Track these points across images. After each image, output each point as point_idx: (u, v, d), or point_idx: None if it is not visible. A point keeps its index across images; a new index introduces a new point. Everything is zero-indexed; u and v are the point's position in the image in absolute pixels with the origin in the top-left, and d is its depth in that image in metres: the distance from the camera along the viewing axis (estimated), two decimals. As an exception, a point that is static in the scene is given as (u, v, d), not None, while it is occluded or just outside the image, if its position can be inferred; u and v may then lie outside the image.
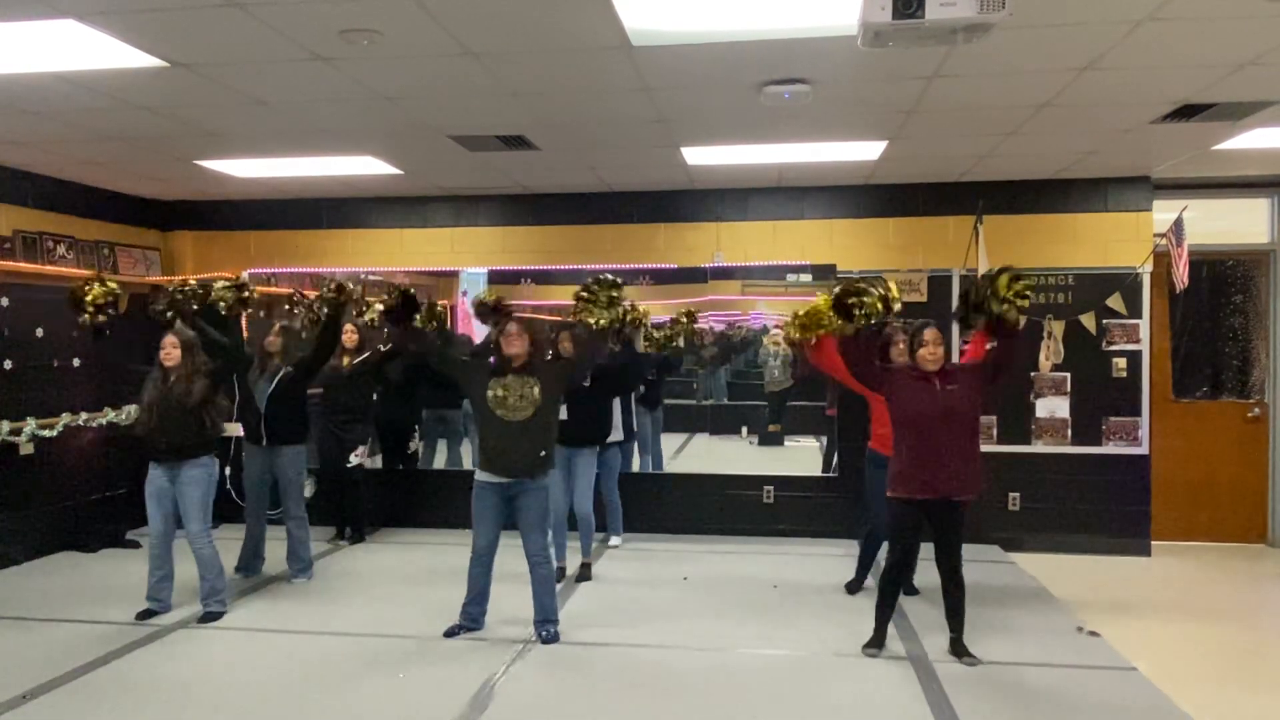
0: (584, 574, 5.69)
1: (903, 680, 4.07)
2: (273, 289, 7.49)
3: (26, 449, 5.95)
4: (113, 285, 5.26)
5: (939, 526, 4.30)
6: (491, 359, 4.60)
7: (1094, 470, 6.50)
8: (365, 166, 6.04)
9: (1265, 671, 4.36)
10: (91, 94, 4.41)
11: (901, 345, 4.70)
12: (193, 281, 5.62)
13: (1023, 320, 4.25)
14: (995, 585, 5.54)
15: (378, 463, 7.19)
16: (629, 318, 5.37)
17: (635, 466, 7.22)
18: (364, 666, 4.24)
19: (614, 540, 6.50)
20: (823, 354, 4.70)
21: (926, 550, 4.46)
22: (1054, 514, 6.54)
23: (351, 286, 5.34)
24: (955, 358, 6.27)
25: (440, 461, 7.60)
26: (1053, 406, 6.54)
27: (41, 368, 6.18)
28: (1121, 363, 6.46)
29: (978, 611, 4.76)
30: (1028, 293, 4.16)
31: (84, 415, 6.30)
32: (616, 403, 5.95)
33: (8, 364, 5.91)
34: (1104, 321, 6.46)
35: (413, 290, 4.77)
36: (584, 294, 4.63)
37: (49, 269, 6.24)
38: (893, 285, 4.34)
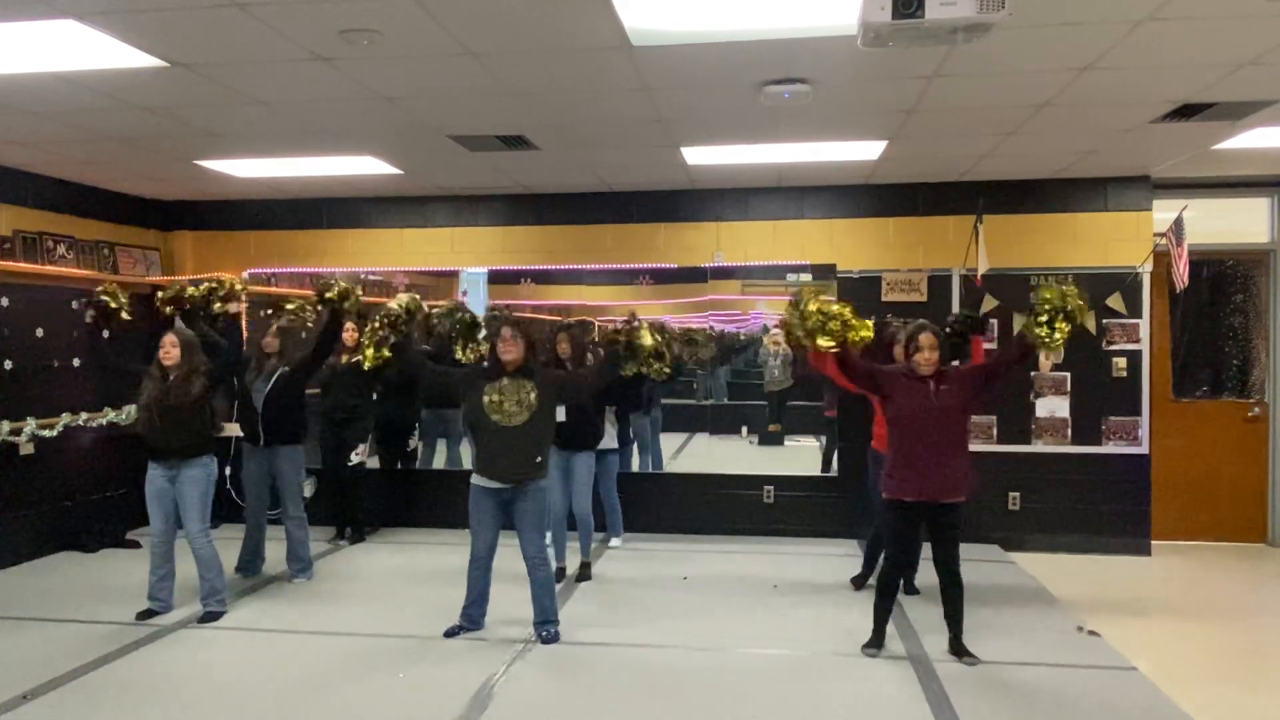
0: (584, 574, 5.69)
1: (903, 680, 4.07)
2: (271, 289, 7.50)
3: (27, 449, 5.96)
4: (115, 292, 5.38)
5: (935, 527, 4.31)
6: (486, 363, 4.60)
7: (1094, 470, 6.50)
8: (365, 166, 6.04)
9: (1265, 671, 4.36)
10: (91, 94, 4.41)
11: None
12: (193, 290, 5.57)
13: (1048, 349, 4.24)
14: (995, 585, 5.54)
15: (376, 462, 7.19)
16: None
17: (635, 466, 7.23)
18: (364, 666, 4.25)
19: (614, 541, 6.50)
20: (824, 360, 4.69)
21: (927, 550, 4.46)
22: (1054, 514, 6.54)
23: (356, 291, 5.21)
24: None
25: (440, 461, 7.60)
26: (1053, 406, 6.54)
27: (41, 368, 6.18)
28: (1121, 362, 6.46)
29: (978, 611, 4.76)
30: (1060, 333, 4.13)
31: (84, 415, 6.30)
32: (609, 411, 5.93)
33: (8, 364, 5.91)
34: (1104, 321, 6.46)
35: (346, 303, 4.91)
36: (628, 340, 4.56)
37: (49, 269, 6.24)
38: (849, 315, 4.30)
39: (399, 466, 7.30)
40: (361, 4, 3.31)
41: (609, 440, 5.90)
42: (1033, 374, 6.51)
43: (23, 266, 6.05)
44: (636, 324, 4.64)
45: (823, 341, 4.14)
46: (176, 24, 3.49)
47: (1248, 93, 4.40)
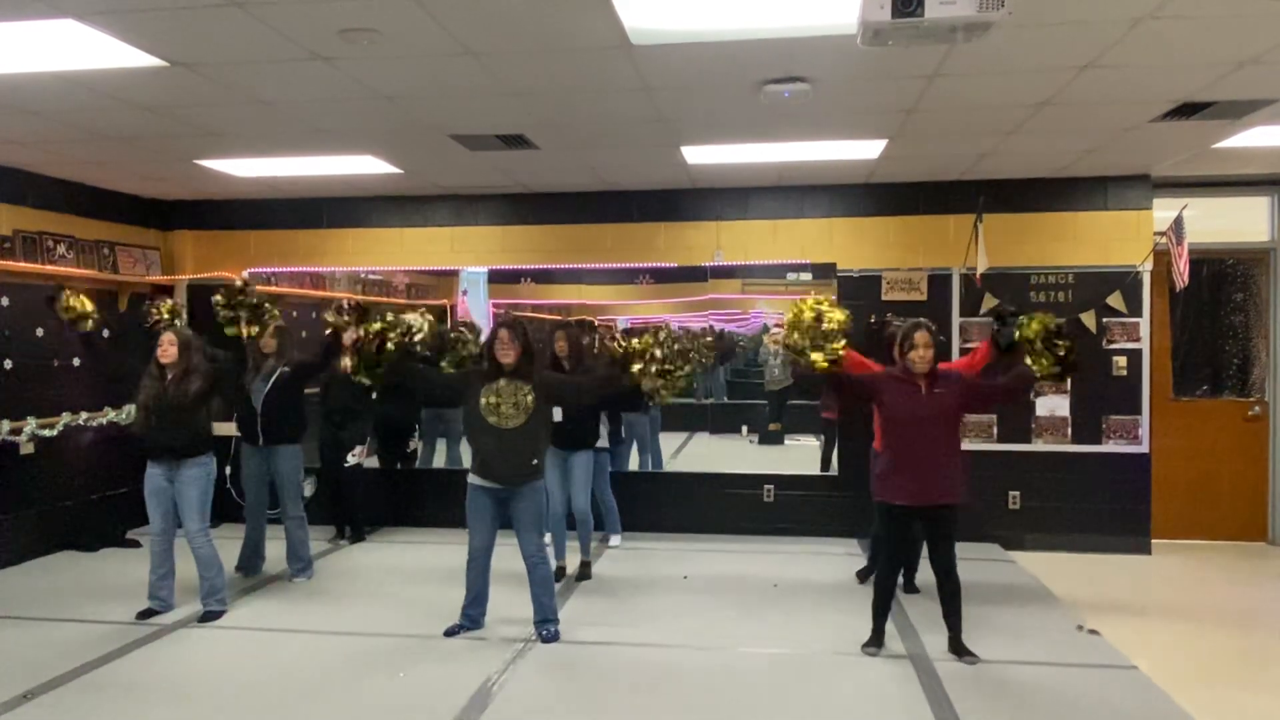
0: (584, 573, 5.69)
1: (903, 679, 4.07)
2: (272, 288, 7.50)
3: (27, 448, 5.96)
4: (82, 302, 5.37)
5: (929, 528, 4.33)
6: (484, 364, 4.59)
7: (1094, 469, 6.50)
8: (365, 166, 6.04)
9: (1266, 670, 4.36)
10: (91, 94, 4.41)
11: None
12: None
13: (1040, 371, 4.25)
14: (995, 584, 5.54)
15: (376, 462, 7.20)
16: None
17: (635, 465, 7.24)
18: (364, 666, 4.25)
19: (613, 540, 6.51)
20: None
21: (927, 548, 4.46)
22: (1054, 512, 6.54)
23: (371, 315, 4.93)
24: (955, 357, 6.29)
25: (440, 461, 7.60)
26: (1053, 405, 6.54)
27: (42, 367, 6.18)
28: (1122, 361, 6.46)
29: (978, 610, 4.76)
30: (1061, 350, 4.14)
31: (84, 415, 6.30)
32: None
33: (8, 363, 5.91)
34: (1104, 320, 6.46)
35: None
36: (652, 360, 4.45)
37: (49, 269, 6.24)
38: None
39: (399, 467, 7.30)
40: (361, 3, 3.31)
41: (600, 439, 5.91)
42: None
43: (23, 266, 6.05)
44: (639, 353, 4.47)
45: (817, 356, 4.16)
46: (176, 23, 3.49)
47: (1248, 91, 4.40)
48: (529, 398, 4.42)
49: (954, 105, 4.62)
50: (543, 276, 7.98)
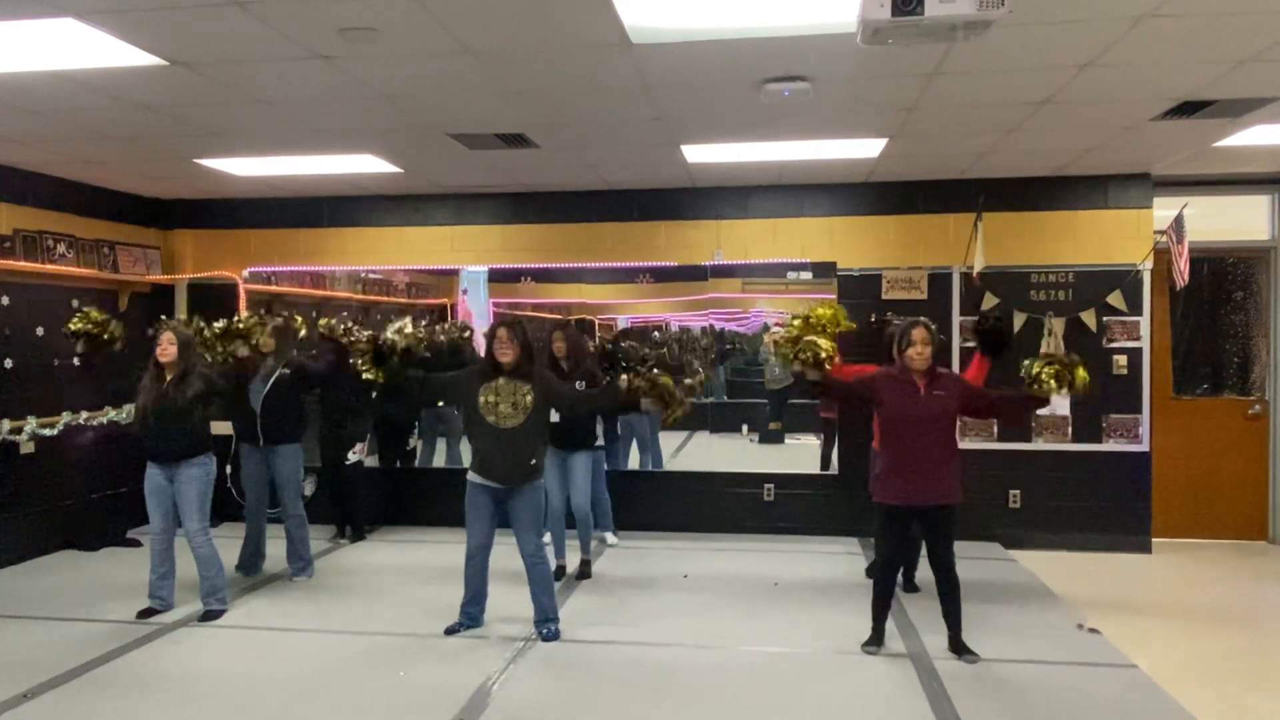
0: (584, 572, 5.69)
1: (903, 678, 4.07)
2: (268, 288, 7.50)
3: (27, 448, 5.96)
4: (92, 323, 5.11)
5: (928, 528, 4.33)
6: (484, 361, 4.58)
7: (1095, 467, 6.49)
8: (365, 165, 6.04)
9: (1266, 669, 4.35)
10: (91, 93, 4.41)
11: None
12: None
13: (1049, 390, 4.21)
14: (995, 583, 5.54)
15: (376, 461, 7.20)
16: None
17: (635, 464, 7.24)
18: (365, 664, 4.25)
19: (610, 538, 6.51)
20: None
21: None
22: (1054, 511, 6.54)
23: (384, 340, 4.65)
24: (955, 356, 6.29)
25: (440, 459, 7.60)
26: (1053, 404, 6.49)
27: (42, 367, 6.18)
28: (1122, 360, 6.46)
29: (978, 609, 4.76)
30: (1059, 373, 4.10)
31: (84, 414, 6.30)
32: None
33: (8, 363, 5.92)
34: (1104, 319, 6.46)
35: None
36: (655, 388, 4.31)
37: (50, 268, 6.24)
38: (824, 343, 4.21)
39: (399, 465, 7.30)
40: (361, 2, 3.30)
41: (598, 439, 5.92)
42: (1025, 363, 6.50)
43: (23, 265, 6.05)
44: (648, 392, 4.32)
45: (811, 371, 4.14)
46: (176, 22, 3.49)
47: (1248, 90, 4.39)
48: (528, 398, 4.42)
49: (954, 104, 4.62)
50: (543, 275, 7.98)
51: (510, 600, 4.88)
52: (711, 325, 8.91)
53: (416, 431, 7.42)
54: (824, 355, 4.09)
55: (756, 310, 8.95)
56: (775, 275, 7.65)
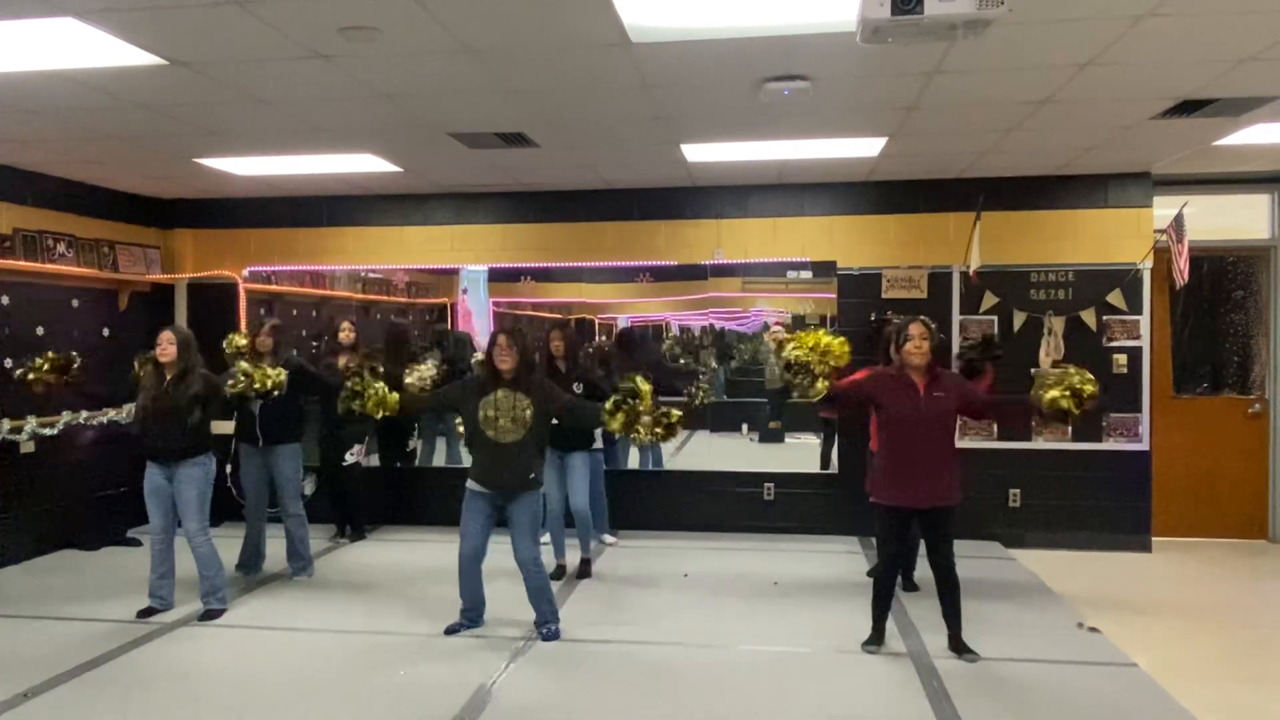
0: (584, 571, 5.69)
1: (903, 677, 4.08)
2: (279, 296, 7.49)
3: (27, 447, 5.96)
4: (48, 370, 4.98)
5: (926, 528, 4.33)
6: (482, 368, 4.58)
7: (1095, 466, 6.49)
8: (365, 164, 6.04)
9: (1266, 668, 4.36)
10: (91, 92, 4.41)
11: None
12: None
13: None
14: (995, 581, 5.54)
15: (376, 461, 7.19)
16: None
17: (635, 464, 7.23)
18: (364, 664, 4.25)
19: (607, 538, 6.51)
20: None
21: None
22: (1054, 510, 6.54)
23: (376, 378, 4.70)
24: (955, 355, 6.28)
25: (440, 459, 7.59)
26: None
27: (42, 366, 6.17)
28: (1122, 359, 6.46)
29: (978, 608, 4.76)
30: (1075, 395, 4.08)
31: (84, 413, 6.29)
32: None
33: (8, 363, 5.91)
34: (1104, 318, 6.46)
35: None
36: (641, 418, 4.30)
37: (50, 267, 6.24)
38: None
39: (398, 465, 7.30)
40: (361, 1, 3.30)
41: (596, 440, 5.91)
42: (1033, 371, 6.49)
43: (23, 265, 6.05)
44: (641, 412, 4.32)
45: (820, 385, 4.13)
46: (176, 22, 3.49)
47: (1249, 89, 4.39)
48: (527, 412, 4.41)
49: (954, 103, 4.62)
50: (543, 275, 7.97)
51: (511, 600, 4.88)
52: (711, 325, 8.90)
53: (416, 431, 7.42)
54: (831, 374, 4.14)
55: (757, 309, 8.94)
56: (775, 274, 7.64)
